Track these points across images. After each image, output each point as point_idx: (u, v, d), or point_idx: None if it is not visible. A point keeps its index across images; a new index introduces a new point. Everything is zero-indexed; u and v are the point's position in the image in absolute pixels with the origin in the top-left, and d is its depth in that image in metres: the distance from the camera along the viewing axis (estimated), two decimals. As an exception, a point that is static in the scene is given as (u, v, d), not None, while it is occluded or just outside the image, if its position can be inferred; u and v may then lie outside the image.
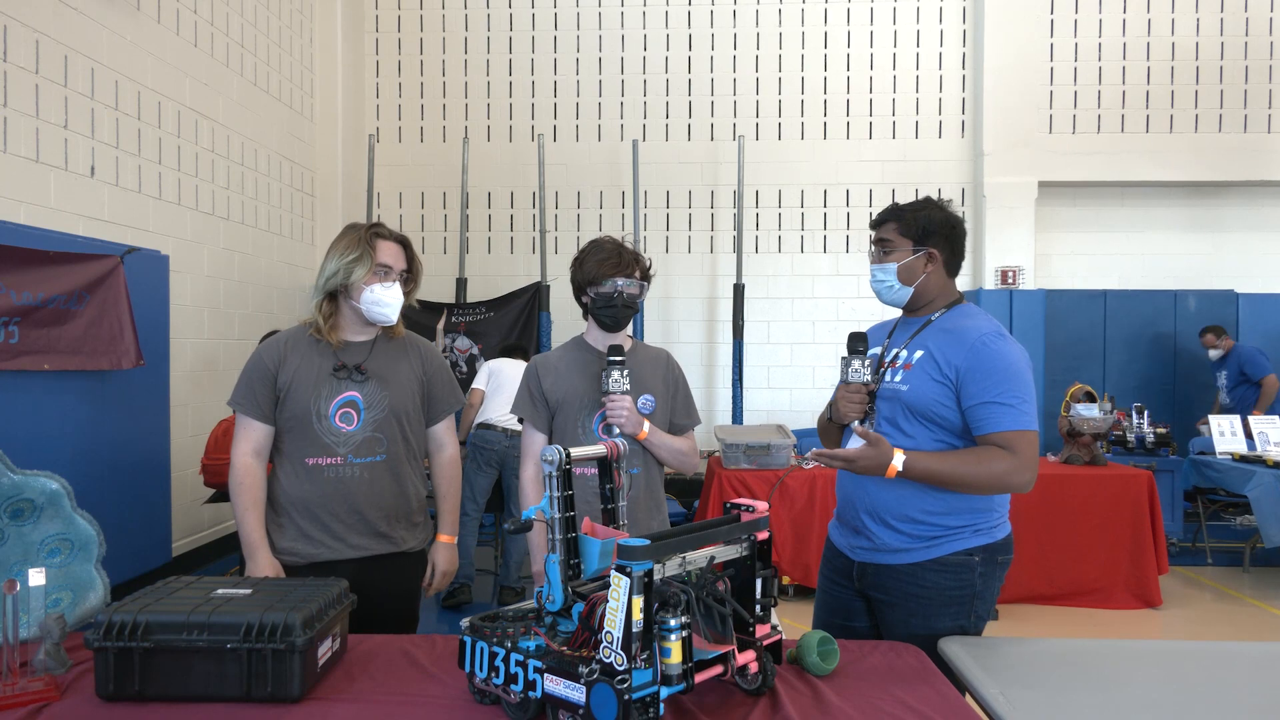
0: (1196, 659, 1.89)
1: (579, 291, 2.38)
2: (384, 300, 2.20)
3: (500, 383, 5.10)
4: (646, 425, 2.32)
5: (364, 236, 2.22)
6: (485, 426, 4.99)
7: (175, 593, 1.67)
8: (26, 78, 4.13)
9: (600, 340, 2.40)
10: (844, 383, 2.06)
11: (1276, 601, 5.15)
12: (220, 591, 1.66)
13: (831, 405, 2.17)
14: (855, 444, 2.07)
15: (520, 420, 2.43)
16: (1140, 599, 4.92)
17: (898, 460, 1.91)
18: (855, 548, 2.11)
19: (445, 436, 2.45)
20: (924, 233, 2.07)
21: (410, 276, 2.29)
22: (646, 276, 2.38)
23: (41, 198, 4.22)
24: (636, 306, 2.39)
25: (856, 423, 2.06)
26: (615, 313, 2.34)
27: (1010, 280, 7.52)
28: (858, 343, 2.06)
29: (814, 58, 7.81)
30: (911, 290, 2.10)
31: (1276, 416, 5.82)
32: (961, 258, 2.14)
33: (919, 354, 2.04)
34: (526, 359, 5.35)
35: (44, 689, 1.53)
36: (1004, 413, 1.91)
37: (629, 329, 2.46)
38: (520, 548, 4.99)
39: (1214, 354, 7.13)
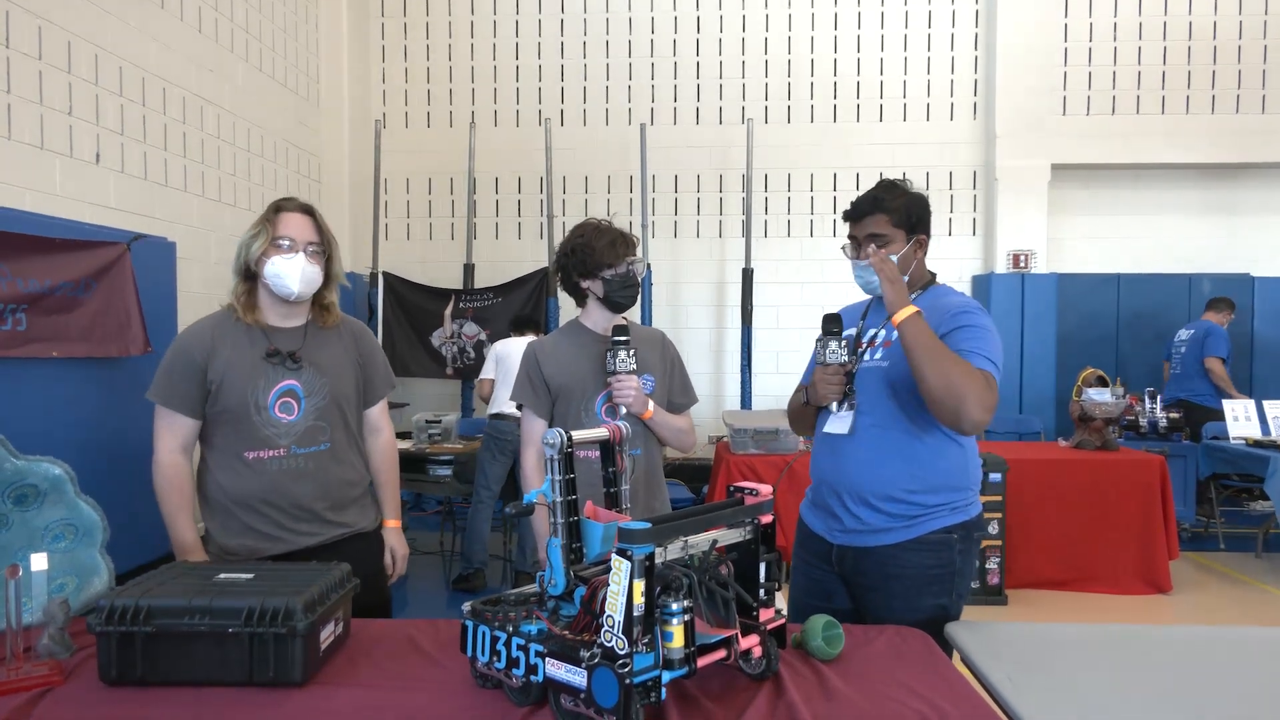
0: (1206, 644, 1.87)
1: (583, 277, 2.36)
2: (283, 272, 2.09)
3: (509, 368, 5.09)
4: (651, 404, 2.31)
5: (266, 211, 2.15)
6: (499, 417, 5.02)
7: (177, 577, 1.67)
8: (30, 64, 4.13)
9: (601, 323, 2.39)
10: (821, 364, 2.05)
11: (1290, 586, 5.12)
12: (222, 576, 1.66)
13: (806, 388, 2.16)
14: (833, 426, 2.10)
15: (519, 407, 2.41)
16: (1150, 584, 4.89)
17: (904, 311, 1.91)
18: (834, 530, 2.10)
19: (380, 420, 2.38)
20: (915, 220, 2.07)
21: (324, 249, 2.17)
22: None
23: (47, 185, 4.22)
24: (641, 284, 2.41)
25: (834, 404, 2.07)
26: (633, 292, 2.34)
27: (1022, 264, 7.45)
28: (833, 324, 2.06)
29: (824, 39, 7.74)
30: (905, 280, 2.08)
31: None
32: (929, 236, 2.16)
33: None
34: (538, 333, 5.36)
35: (48, 673, 1.53)
36: (980, 360, 1.91)
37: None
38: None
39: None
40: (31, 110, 4.14)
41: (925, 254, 2.12)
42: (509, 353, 5.22)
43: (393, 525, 2.37)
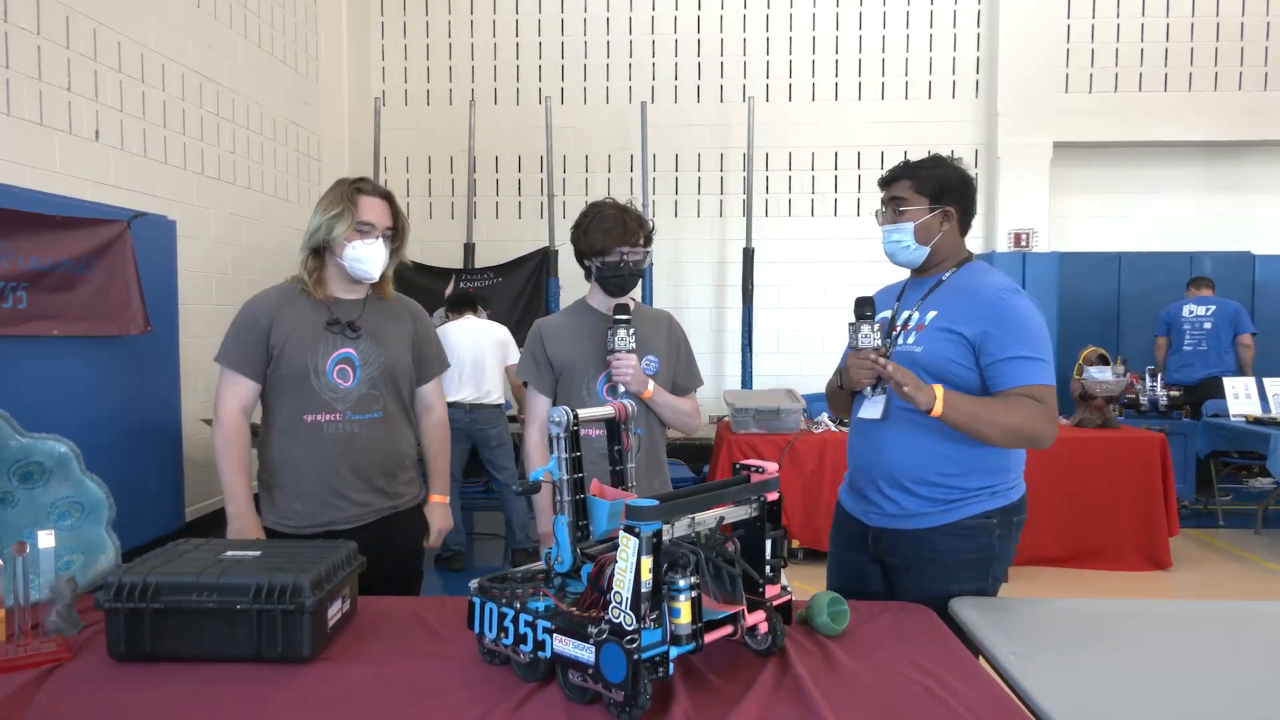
0: (1207, 619, 1.88)
1: (582, 257, 2.38)
2: (364, 257, 2.17)
3: (460, 357, 4.85)
4: (651, 385, 2.32)
5: (346, 192, 2.18)
6: (450, 405, 4.85)
7: (185, 554, 1.67)
8: (28, 39, 4.09)
9: (604, 302, 2.40)
10: (853, 349, 2.00)
11: (1288, 564, 5.15)
12: (230, 553, 1.66)
13: (841, 372, 2.13)
14: (867, 411, 2.06)
15: (525, 384, 2.43)
16: (1151, 561, 4.91)
17: (937, 404, 1.85)
18: (870, 513, 2.08)
19: (433, 398, 2.44)
20: (940, 190, 2.03)
21: (396, 233, 2.25)
22: (649, 241, 2.37)
23: (46, 161, 4.19)
24: (642, 272, 2.38)
25: (867, 389, 2.03)
26: (622, 281, 2.34)
27: (1024, 243, 7.44)
28: (865, 307, 1.99)
29: (825, 16, 7.67)
30: (928, 250, 2.06)
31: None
32: (973, 215, 2.10)
33: (932, 314, 2.00)
34: (476, 313, 5.21)
35: (56, 650, 1.53)
36: (1029, 366, 1.89)
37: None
38: (520, 510, 5.02)
39: None
40: (30, 86, 4.10)
41: (958, 228, 2.07)
42: (446, 338, 4.71)
43: (439, 499, 2.44)
